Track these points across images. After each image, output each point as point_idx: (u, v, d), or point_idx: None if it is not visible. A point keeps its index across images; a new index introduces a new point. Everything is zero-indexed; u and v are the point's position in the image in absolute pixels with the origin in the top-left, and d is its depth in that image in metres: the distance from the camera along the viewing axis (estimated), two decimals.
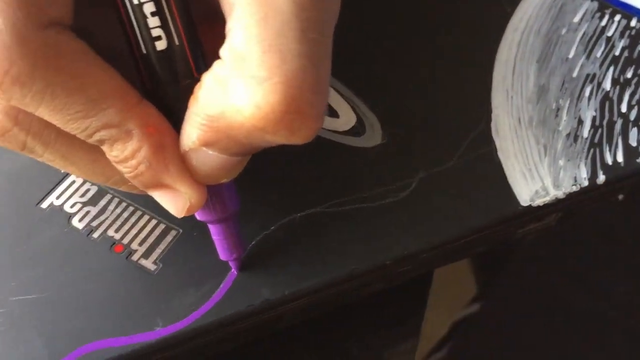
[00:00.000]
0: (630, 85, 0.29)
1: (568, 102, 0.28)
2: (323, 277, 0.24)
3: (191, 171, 0.19)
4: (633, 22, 0.31)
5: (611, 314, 0.46)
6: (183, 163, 0.19)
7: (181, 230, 0.24)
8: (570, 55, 0.30)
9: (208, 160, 0.19)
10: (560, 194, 0.26)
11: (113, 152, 0.19)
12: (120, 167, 0.19)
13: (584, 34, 0.31)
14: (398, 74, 0.29)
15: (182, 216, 0.20)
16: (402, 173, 0.26)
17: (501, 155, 0.27)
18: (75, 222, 0.24)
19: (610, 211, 0.45)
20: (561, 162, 0.27)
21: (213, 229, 0.22)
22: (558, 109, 0.28)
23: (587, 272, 0.48)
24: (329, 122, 0.28)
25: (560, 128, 0.28)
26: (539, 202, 0.26)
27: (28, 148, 0.20)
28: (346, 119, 0.28)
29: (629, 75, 0.29)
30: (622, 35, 0.31)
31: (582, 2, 0.32)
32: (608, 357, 0.44)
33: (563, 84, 0.29)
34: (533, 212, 0.26)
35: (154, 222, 0.25)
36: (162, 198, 0.20)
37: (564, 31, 0.31)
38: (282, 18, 0.16)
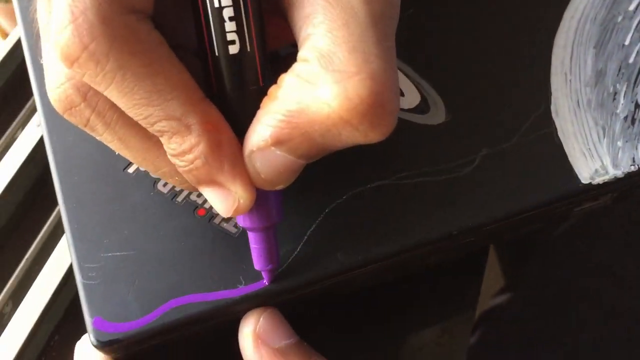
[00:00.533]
0: None
1: (625, 86, 0.29)
2: (393, 245, 0.25)
3: (251, 174, 0.20)
4: None
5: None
6: (238, 163, 0.20)
7: None
8: (627, 42, 0.31)
9: (273, 161, 0.19)
10: (619, 173, 0.27)
11: (171, 145, 0.19)
12: (175, 160, 0.20)
13: (639, 22, 0.32)
14: (461, 56, 0.30)
15: (228, 216, 0.21)
16: (465, 150, 0.27)
17: (561, 135, 0.28)
18: (160, 186, 0.26)
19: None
20: (619, 143, 0.28)
21: (253, 237, 0.23)
22: (615, 93, 0.29)
23: (617, 265, 0.49)
24: None
25: (618, 111, 0.29)
26: (598, 180, 0.27)
27: (90, 125, 0.21)
28: (411, 98, 0.29)
29: None
30: None
31: None
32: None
33: (620, 69, 0.30)
34: (593, 189, 0.27)
35: None
36: (212, 195, 0.20)
37: (619, 19, 0.32)
38: (361, 25, 0.18)
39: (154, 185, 0.26)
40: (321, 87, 0.18)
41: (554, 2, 0.32)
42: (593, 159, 0.27)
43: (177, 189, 0.26)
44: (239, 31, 0.19)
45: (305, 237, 0.25)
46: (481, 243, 0.28)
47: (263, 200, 0.21)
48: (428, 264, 0.27)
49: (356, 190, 0.26)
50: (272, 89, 0.19)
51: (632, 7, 0.32)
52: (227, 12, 0.19)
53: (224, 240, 0.25)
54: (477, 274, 0.29)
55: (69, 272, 0.32)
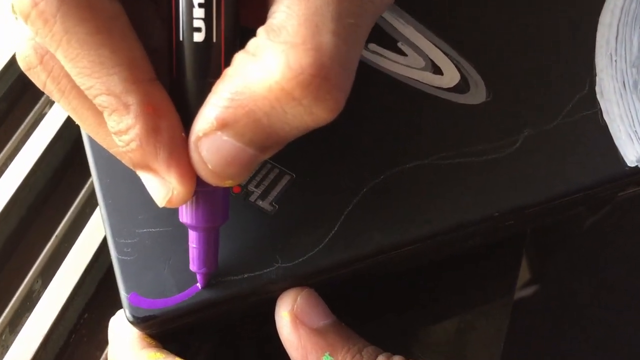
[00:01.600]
0: None
1: None
2: (431, 226, 0.24)
3: (198, 165, 0.19)
4: None
5: None
6: (176, 152, 0.19)
7: (294, 175, 0.25)
8: None
9: (220, 148, 0.18)
10: None
11: (110, 122, 0.19)
12: (115, 139, 0.19)
13: None
14: (502, 34, 0.29)
15: (162, 206, 0.20)
16: (507, 130, 0.27)
17: (606, 117, 0.27)
18: None
19: None
20: None
21: (193, 236, 0.22)
22: None
23: None
24: (434, 79, 0.28)
25: None
26: None
27: (47, 89, 0.20)
28: (450, 77, 0.28)
29: None
30: None
31: None
32: None
33: None
34: (638, 173, 0.26)
35: (268, 166, 0.25)
36: (147, 181, 0.20)
37: None
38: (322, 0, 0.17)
39: None
40: (264, 58, 0.17)
41: None
42: None
43: None
44: (207, 19, 0.18)
45: (343, 217, 0.24)
46: (522, 227, 0.27)
47: (208, 198, 0.20)
48: (466, 247, 0.27)
49: (394, 170, 0.25)
50: (225, 70, 0.18)
51: None
52: None
53: (259, 219, 0.24)
54: (515, 259, 0.28)
55: (99, 250, 0.32)
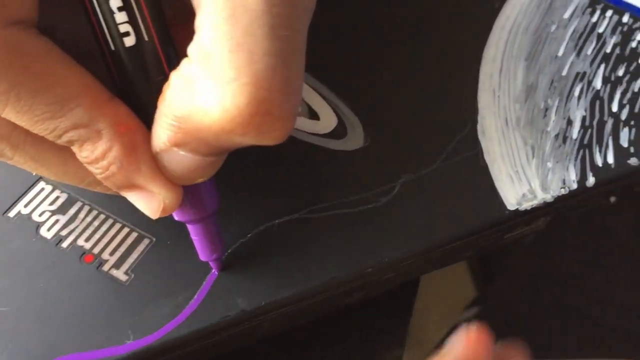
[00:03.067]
0: (621, 84, 0.28)
1: (557, 101, 0.28)
2: (301, 287, 0.23)
3: (165, 172, 0.18)
4: (625, 18, 0.30)
5: (607, 315, 0.46)
6: (156, 163, 0.18)
7: (154, 239, 0.24)
8: (560, 53, 0.29)
9: (180, 161, 0.18)
10: (548, 197, 0.25)
11: (83, 153, 0.18)
12: (91, 168, 0.18)
13: (574, 30, 0.30)
14: (381, 73, 0.28)
15: (157, 217, 0.19)
16: (384, 177, 0.25)
17: (487, 157, 0.26)
18: (43, 231, 0.23)
19: (604, 212, 0.45)
20: (549, 164, 0.26)
21: (192, 229, 0.22)
22: (546, 109, 0.27)
23: (583, 274, 0.48)
24: (309, 125, 0.27)
25: (549, 129, 0.27)
26: (526, 205, 0.25)
27: None
28: (327, 121, 0.27)
29: (620, 73, 0.28)
30: (613, 32, 0.30)
31: None
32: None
33: (552, 82, 0.28)
34: (520, 216, 0.25)
35: (125, 230, 0.24)
36: (135, 199, 0.19)
37: (553, 28, 0.30)
38: (251, 15, 0.16)
39: (36, 230, 0.23)
40: (200, 94, 0.16)
41: (484, 12, 0.30)
42: (521, 183, 0.25)
43: (63, 233, 0.23)
44: (132, 21, 0.17)
45: (204, 282, 0.23)
46: (402, 278, 0.26)
47: (193, 191, 0.20)
48: (348, 302, 0.25)
49: (261, 228, 0.24)
50: (165, 87, 0.17)
51: (567, 15, 0.30)
52: (115, 3, 0.17)
53: (113, 290, 0.22)
54: (406, 310, 0.27)
55: None
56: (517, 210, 0.25)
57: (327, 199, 0.25)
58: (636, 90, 0.28)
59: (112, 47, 0.17)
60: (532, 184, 0.25)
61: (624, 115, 0.27)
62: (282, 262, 0.23)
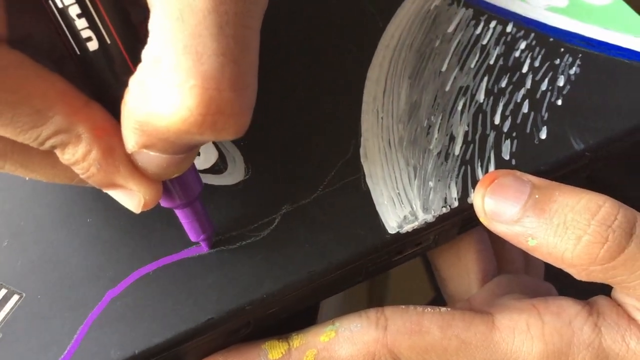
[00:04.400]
0: (504, 95, 0.28)
1: (440, 118, 0.27)
2: (177, 331, 0.22)
3: (142, 171, 0.19)
4: (509, 28, 0.30)
5: None
6: (134, 161, 0.19)
7: (24, 294, 0.23)
8: (444, 68, 0.29)
9: (152, 161, 0.19)
10: (430, 217, 0.25)
11: (65, 156, 0.19)
12: (75, 169, 0.19)
13: (458, 43, 0.30)
14: (263, 100, 0.28)
15: (139, 212, 0.20)
16: (264, 210, 0.25)
17: (370, 181, 0.26)
18: None
19: None
20: (431, 183, 0.26)
21: (180, 214, 0.23)
22: (429, 127, 0.27)
23: None
24: None
25: (431, 147, 0.27)
26: (407, 228, 0.25)
27: None
28: (206, 156, 0.26)
29: (503, 84, 0.28)
30: (497, 43, 0.30)
31: (457, 10, 0.31)
32: None
33: (435, 99, 0.28)
34: (402, 239, 0.25)
35: None
36: (118, 196, 0.20)
37: (437, 43, 0.30)
38: (197, 16, 0.16)
39: None
40: (154, 99, 0.17)
41: (369, 31, 0.30)
42: (402, 205, 0.25)
43: None
44: (92, 26, 0.18)
45: (76, 335, 0.22)
46: (289, 311, 0.25)
47: (176, 180, 0.21)
48: (235, 340, 0.25)
49: (137, 275, 0.23)
50: (125, 91, 0.18)
51: (451, 29, 0.30)
52: (73, 10, 0.17)
53: None
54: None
55: None
56: (397, 233, 0.24)
57: None
58: (518, 100, 0.28)
59: (78, 52, 0.18)
60: (413, 205, 0.25)
61: (506, 127, 0.27)
62: (156, 308, 0.23)
